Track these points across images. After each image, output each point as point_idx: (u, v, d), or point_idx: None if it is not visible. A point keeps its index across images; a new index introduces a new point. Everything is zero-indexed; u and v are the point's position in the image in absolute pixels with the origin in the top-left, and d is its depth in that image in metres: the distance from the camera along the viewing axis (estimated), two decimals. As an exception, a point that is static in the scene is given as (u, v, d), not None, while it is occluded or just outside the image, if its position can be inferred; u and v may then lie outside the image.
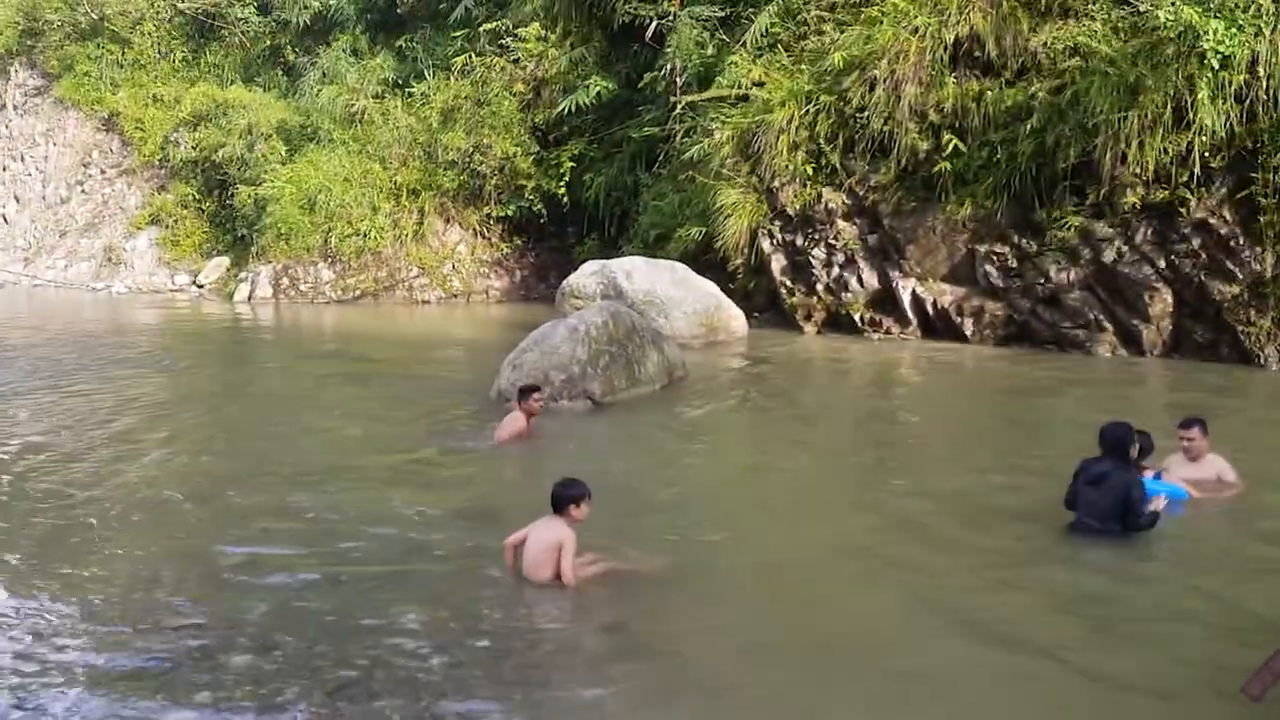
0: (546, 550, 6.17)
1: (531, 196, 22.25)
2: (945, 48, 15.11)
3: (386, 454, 9.38)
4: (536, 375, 11.09)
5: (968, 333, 15.07)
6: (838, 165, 16.22)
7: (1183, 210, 13.54)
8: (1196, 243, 13.51)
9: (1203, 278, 13.42)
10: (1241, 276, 13.16)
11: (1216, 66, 12.49)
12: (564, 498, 6.24)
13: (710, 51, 18.75)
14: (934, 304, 15.45)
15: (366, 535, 7.10)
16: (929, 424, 10.82)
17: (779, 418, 11.26)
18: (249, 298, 23.02)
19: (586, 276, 16.32)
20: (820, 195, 16.42)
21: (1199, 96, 12.83)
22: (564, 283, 16.79)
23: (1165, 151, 13.35)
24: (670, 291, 15.69)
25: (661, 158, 19.89)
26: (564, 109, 21.46)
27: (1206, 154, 13.12)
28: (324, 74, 25.08)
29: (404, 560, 6.66)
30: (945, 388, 13.12)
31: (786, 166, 16.46)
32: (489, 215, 22.91)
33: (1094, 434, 6.90)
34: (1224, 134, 12.94)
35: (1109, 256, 14.03)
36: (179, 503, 7.88)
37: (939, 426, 10.78)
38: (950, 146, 14.99)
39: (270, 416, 11.13)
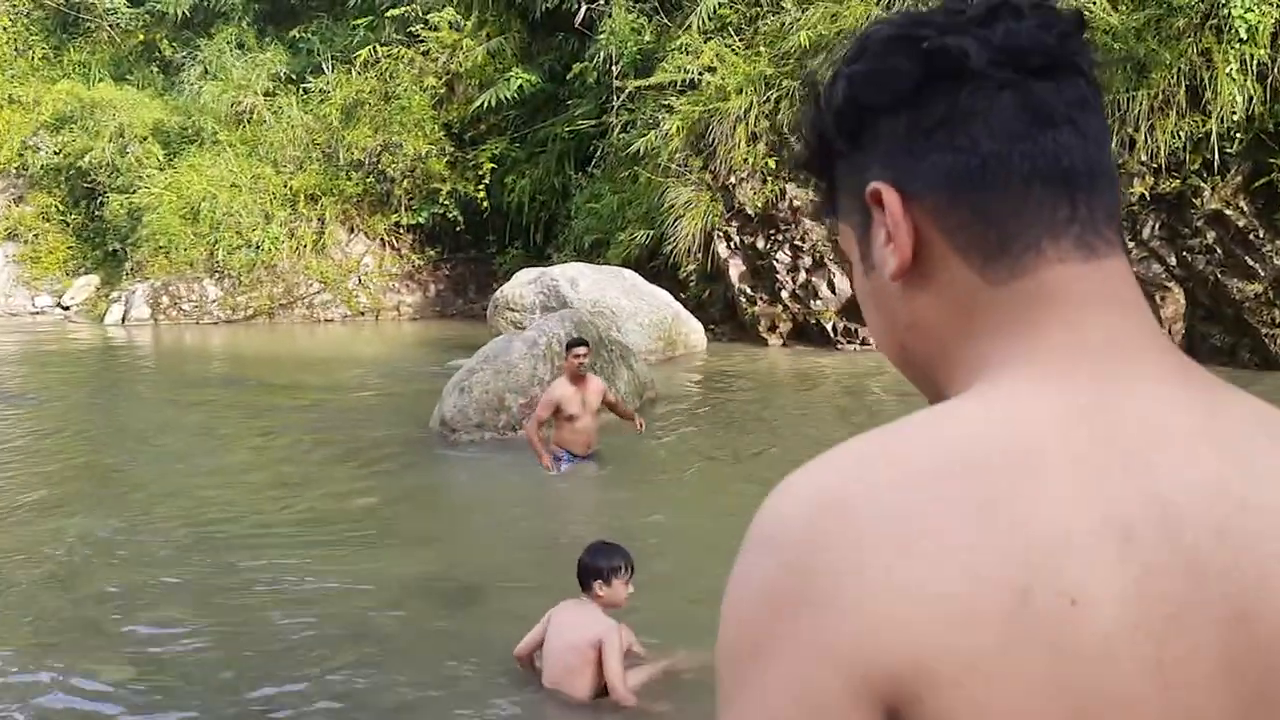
0: (577, 651, 4.21)
1: (446, 202, 20.07)
2: (924, 25, 13.56)
3: (308, 503, 7.25)
4: (490, 400, 9.09)
5: (955, 342, 13.49)
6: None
7: (1195, 201, 12.22)
8: (1211, 237, 12.20)
9: (1219, 275, 12.09)
10: (1262, 273, 11.87)
11: (1244, 37, 11.15)
12: (593, 571, 4.29)
13: (648, 38, 16.94)
14: (915, 311, 13.85)
15: (296, 626, 5.04)
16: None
17: (772, 444, 9.39)
18: (123, 319, 20.28)
19: (523, 286, 14.31)
20: (784, 192, 14.71)
21: (1218, 73, 11.50)
22: (497, 293, 14.74)
23: (1176, 136, 12.01)
24: (621, 301, 13.77)
25: (596, 156, 17.97)
26: (482, 105, 19.38)
27: (1222, 139, 11.82)
28: (206, 69, 22.51)
29: (353, 662, 4.61)
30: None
31: (745, 160, 14.72)
32: (398, 223, 20.65)
33: None
34: (1243, 116, 11.64)
35: (1113, 254, 12.62)
36: (38, 580, 5.66)
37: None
38: (932, 134, 13.43)
39: (157, 460, 8.83)
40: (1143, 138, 12.04)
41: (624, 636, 4.22)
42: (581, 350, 7.68)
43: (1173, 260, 12.39)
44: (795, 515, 0.66)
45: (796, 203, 14.65)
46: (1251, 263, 11.92)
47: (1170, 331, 12.32)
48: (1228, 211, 12.10)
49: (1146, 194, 12.34)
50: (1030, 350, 0.71)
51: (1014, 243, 0.73)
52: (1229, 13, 11.12)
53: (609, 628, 4.20)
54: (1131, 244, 12.54)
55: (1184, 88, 11.80)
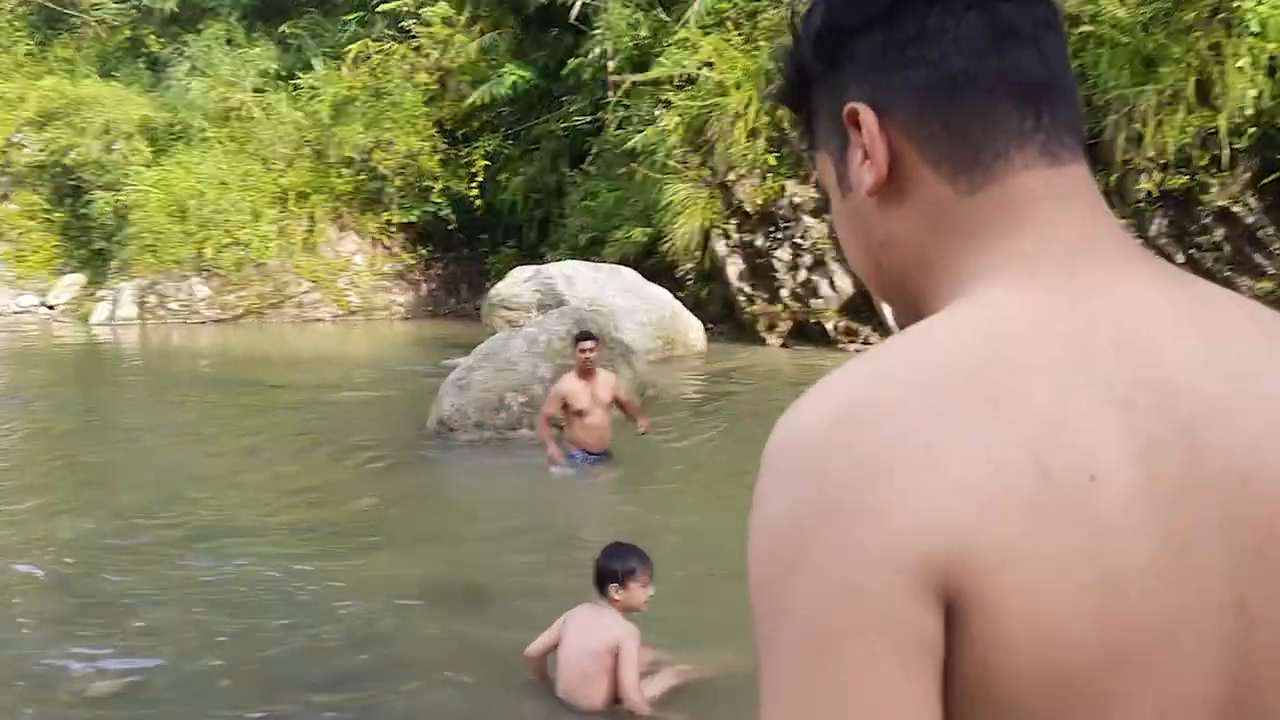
0: (594, 657, 3.98)
1: (439, 200, 19.80)
2: (927, 19, 13.35)
3: (306, 506, 6.99)
4: (489, 398, 8.84)
5: (958, 341, 13.27)
6: (804, 154, 14.31)
7: (1203, 198, 12.04)
8: (1219, 234, 12.02)
9: (1227, 273, 11.89)
10: (1271, 271, 11.70)
11: (1256, 29, 10.97)
12: (608, 573, 4.05)
13: (645, 33, 16.70)
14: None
15: (297, 629, 4.77)
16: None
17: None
18: (109, 319, 19.94)
19: (519, 284, 14.05)
20: (784, 189, 14.50)
21: (1228, 67, 11.32)
22: (492, 292, 14.48)
23: (1184, 131, 11.82)
24: (619, 300, 13.52)
25: (591, 153, 17.72)
26: (475, 101, 19.12)
27: (1231, 134, 11.63)
28: (194, 65, 22.16)
29: (356, 668, 4.36)
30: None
31: (745, 156, 14.50)
32: (390, 222, 20.38)
33: None
34: (1252, 111, 11.46)
35: (1120, 251, 12.43)
36: (25, 587, 5.39)
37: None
38: (935, 130, 13.21)
39: (148, 461, 8.55)
40: (1150, 133, 11.85)
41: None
42: (589, 344, 7.45)
43: (1180, 258, 12.19)
44: (812, 434, 0.67)
45: (797, 200, 14.44)
46: (1260, 260, 11.76)
47: (1177, 330, 12.15)
48: (1236, 208, 11.93)
49: (1154, 190, 12.15)
50: (1005, 255, 0.73)
51: (982, 152, 0.75)
52: (1239, 5, 10.93)
53: (626, 633, 3.96)
54: (1138, 241, 12.35)
55: (1193, 82, 11.61)
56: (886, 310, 13.79)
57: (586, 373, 7.47)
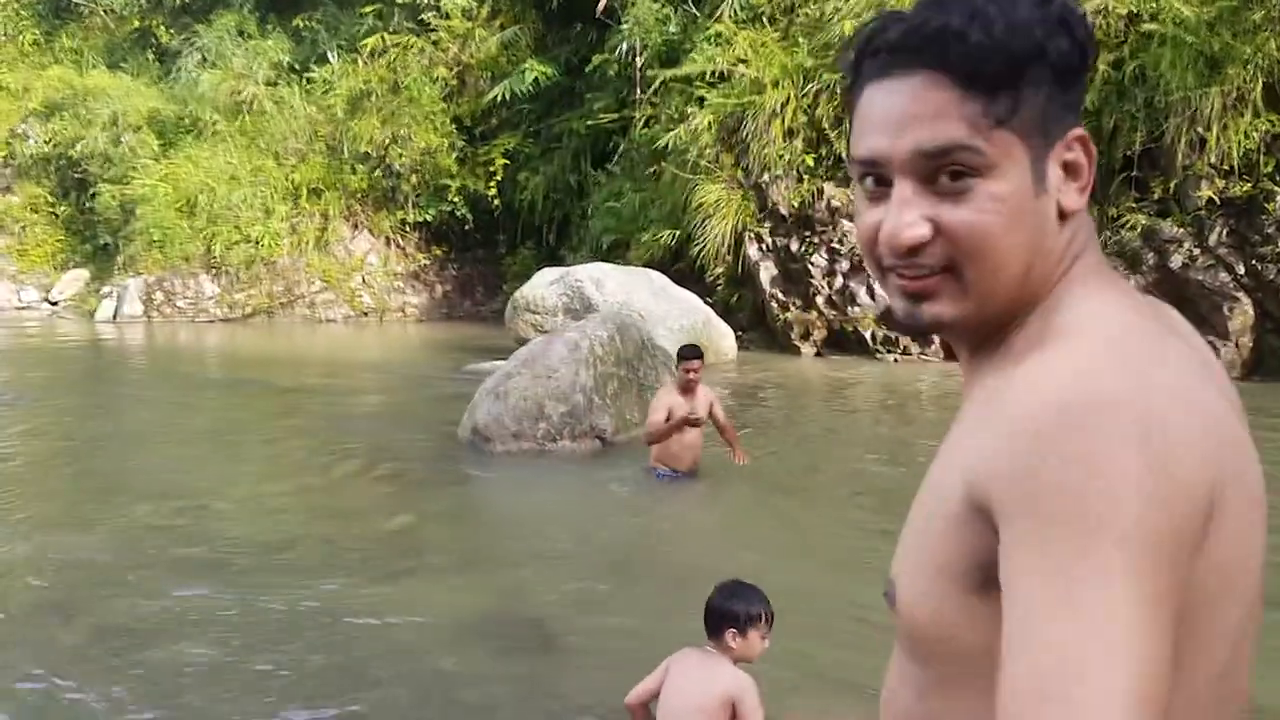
0: (706, 713, 3.39)
1: (455, 199, 19.24)
2: (977, 16, 12.79)
3: (336, 523, 6.39)
4: (528, 407, 8.26)
5: (1004, 352, 12.69)
6: (844, 155, 13.74)
7: (1268, 206, 11.48)
8: (1283, 244, 11.45)
9: (1291, 285, 11.35)
10: (1338, 283, 11.13)
11: (1336, 29, 10.43)
12: (729, 616, 3.46)
13: (674, 28, 16.14)
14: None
15: (333, 668, 4.19)
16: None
17: (825, 463, 8.55)
18: (114, 316, 19.37)
19: (544, 287, 13.47)
20: (821, 191, 13.93)
21: (1300, 68, 10.78)
22: (516, 295, 13.89)
23: (1249, 136, 11.27)
24: (650, 304, 12.97)
25: (616, 152, 17.15)
26: (495, 97, 18.57)
27: (1299, 139, 11.09)
28: (204, 57, 21.66)
29: (402, 715, 3.79)
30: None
31: (780, 157, 13.94)
32: (404, 221, 19.83)
33: None
34: (1325, 115, 10.92)
35: (1178, 261, 11.87)
36: (24, 609, 4.80)
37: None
38: (983, 132, 12.64)
39: (158, 469, 7.95)
40: (1214, 138, 11.30)
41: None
42: (695, 363, 7.06)
43: (1241, 269, 11.64)
44: (1151, 410, 0.80)
45: (835, 203, 13.87)
46: (1326, 272, 11.20)
47: (1237, 345, 11.58)
48: (1302, 217, 11.37)
49: (1215, 197, 11.59)
50: (1090, 265, 0.96)
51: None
52: (1317, 4, 10.39)
53: (744, 686, 3.38)
54: (1197, 251, 11.82)
55: (1260, 85, 11.07)
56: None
57: (688, 389, 7.09)
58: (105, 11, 24.56)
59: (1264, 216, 11.54)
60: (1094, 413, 0.79)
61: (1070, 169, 0.92)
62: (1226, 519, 0.82)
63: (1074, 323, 0.90)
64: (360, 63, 19.76)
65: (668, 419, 7.01)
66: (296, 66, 20.91)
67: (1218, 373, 0.95)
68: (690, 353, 7.16)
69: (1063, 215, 0.92)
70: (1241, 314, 11.57)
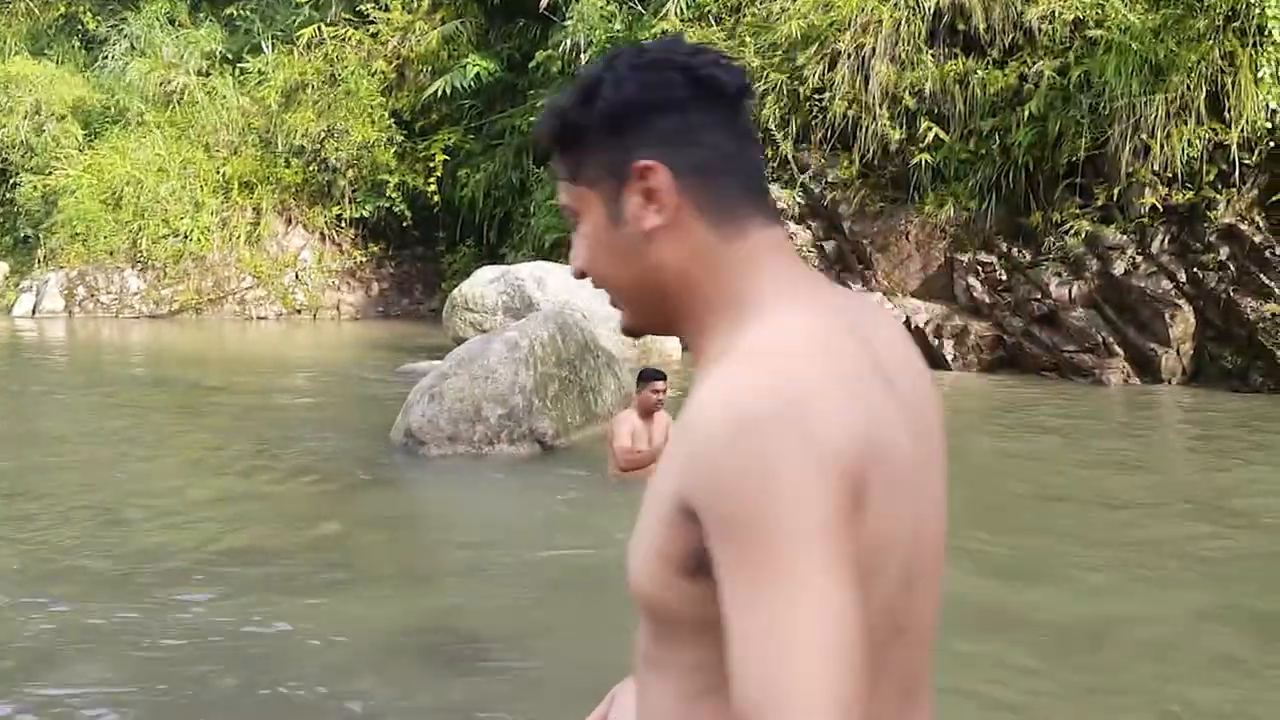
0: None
1: (393, 195, 18.78)
2: (924, 19, 12.73)
3: (261, 531, 6.04)
4: (465, 409, 7.94)
5: (949, 358, 12.65)
6: (789, 157, 13.62)
7: (1209, 214, 11.54)
8: (1224, 252, 11.53)
9: (1231, 293, 11.41)
10: (1278, 292, 11.20)
11: (1279, 38, 10.47)
12: None
13: (619, 26, 15.89)
14: (906, 323, 12.95)
15: (253, 688, 3.87)
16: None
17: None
18: (33, 311, 18.61)
19: (484, 285, 13.13)
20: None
21: (1242, 77, 10.82)
22: (454, 293, 13.53)
23: (1192, 144, 11.31)
24: (593, 304, 12.64)
25: (559, 150, 16.84)
26: (435, 92, 18.18)
27: (1240, 148, 11.14)
28: (133, 45, 20.95)
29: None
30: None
31: (726, 157, 13.73)
32: (340, 216, 19.32)
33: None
34: (1266, 126, 10.98)
35: (1120, 268, 11.90)
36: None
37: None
38: (929, 136, 12.58)
39: (73, 473, 7.49)
40: (1158, 145, 11.32)
41: None
42: (660, 385, 6.77)
43: (1182, 276, 11.69)
44: (797, 405, 0.93)
45: (781, 204, 13.70)
46: (1267, 281, 11.27)
47: (1178, 352, 11.62)
48: (1242, 226, 11.45)
49: (1158, 205, 11.63)
50: (770, 279, 1.07)
51: (737, 213, 1.07)
52: (1262, 11, 10.42)
53: None
54: (1139, 258, 11.84)
55: (1203, 93, 11.11)
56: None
57: (649, 413, 6.78)
58: (29, -4, 23.71)
59: (1205, 225, 11.60)
60: (756, 425, 0.92)
61: (650, 195, 1.06)
62: (872, 503, 0.95)
63: (747, 341, 1.01)
64: (296, 54, 19.22)
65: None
66: (230, 56, 20.29)
67: (895, 364, 1.08)
68: (655, 374, 6.88)
69: (650, 236, 1.07)
70: (1183, 321, 11.62)
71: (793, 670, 0.87)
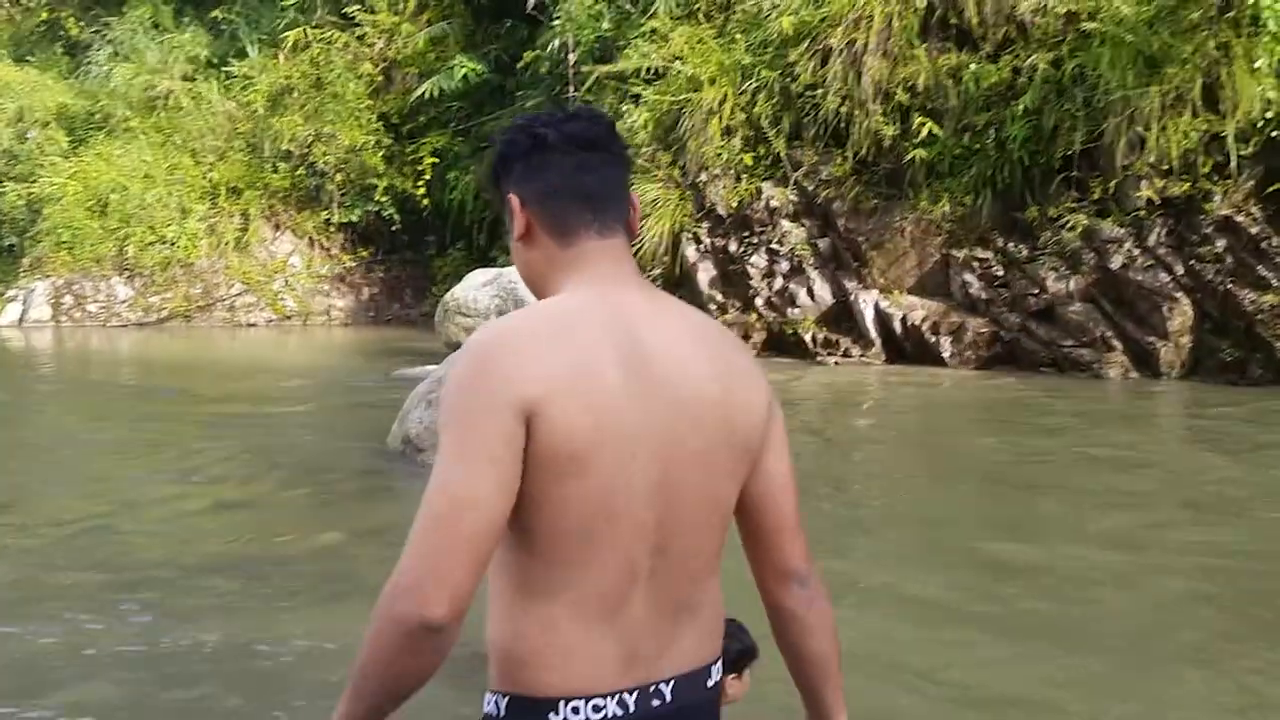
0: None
1: (382, 199, 18.64)
2: (916, 13, 12.65)
3: (258, 542, 5.90)
4: (462, 415, 7.77)
5: (945, 355, 12.57)
6: (782, 154, 13.55)
7: (1205, 206, 11.49)
8: (1221, 244, 11.47)
9: (1229, 285, 11.35)
10: (1275, 284, 11.16)
11: (1275, 29, 10.41)
12: (748, 654, 3.06)
13: (607, 25, 15.78)
14: (902, 321, 12.90)
15: (257, 711, 3.74)
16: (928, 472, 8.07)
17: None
18: (19, 320, 18.44)
19: (476, 289, 12.96)
20: (760, 191, 13.70)
21: (1237, 68, 10.77)
22: (446, 297, 13.36)
23: (1188, 136, 11.25)
24: (586, 306, 12.56)
25: (549, 151, 16.73)
26: (422, 94, 18.05)
27: (1237, 140, 11.09)
28: (116, 51, 20.75)
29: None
30: (922, 421, 10.39)
31: (718, 156, 13.67)
32: (329, 221, 19.18)
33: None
34: (1271, 115, 10.92)
35: (1117, 262, 11.83)
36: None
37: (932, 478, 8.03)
38: (924, 131, 12.51)
39: (63, 484, 7.36)
40: (1153, 137, 11.26)
41: None
42: None
43: (1180, 269, 11.64)
44: (482, 348, 1.39)
45: (774, 203, 13.63)
46: (1264, 272, 11.21)
47: (1176, 345, 11.56)
48: (1239, 218, 11.39)
49: (1155, 197, 11.57)
50: (579, 278, 1.50)
51: (568, 227, 1.52)
52: (1257, 2, 10.37)
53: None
54: (1136, 251, 11.78)
55: (1199, 84, 11.05)
56: (868, 319, 13.06)
57: None
58: (11, 2, 23.47)
59: (1202, 217, 11.54)
60: (460, 354, 1.41)
61: (513, 216, 1.54)
62: (550, 432, 1.35)
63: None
64: (281, 57, 19.06)
65: None
66: (214, 61, 20.13)
67: (665, 360, 1.45)
68: None
69: (519, 243, 1.56)
70: (1180, 314, 11.55)
71: (430, 514, 1.33)
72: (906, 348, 12.95)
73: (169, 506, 6.66)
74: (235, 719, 3.77)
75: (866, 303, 13.09)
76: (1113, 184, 11.76)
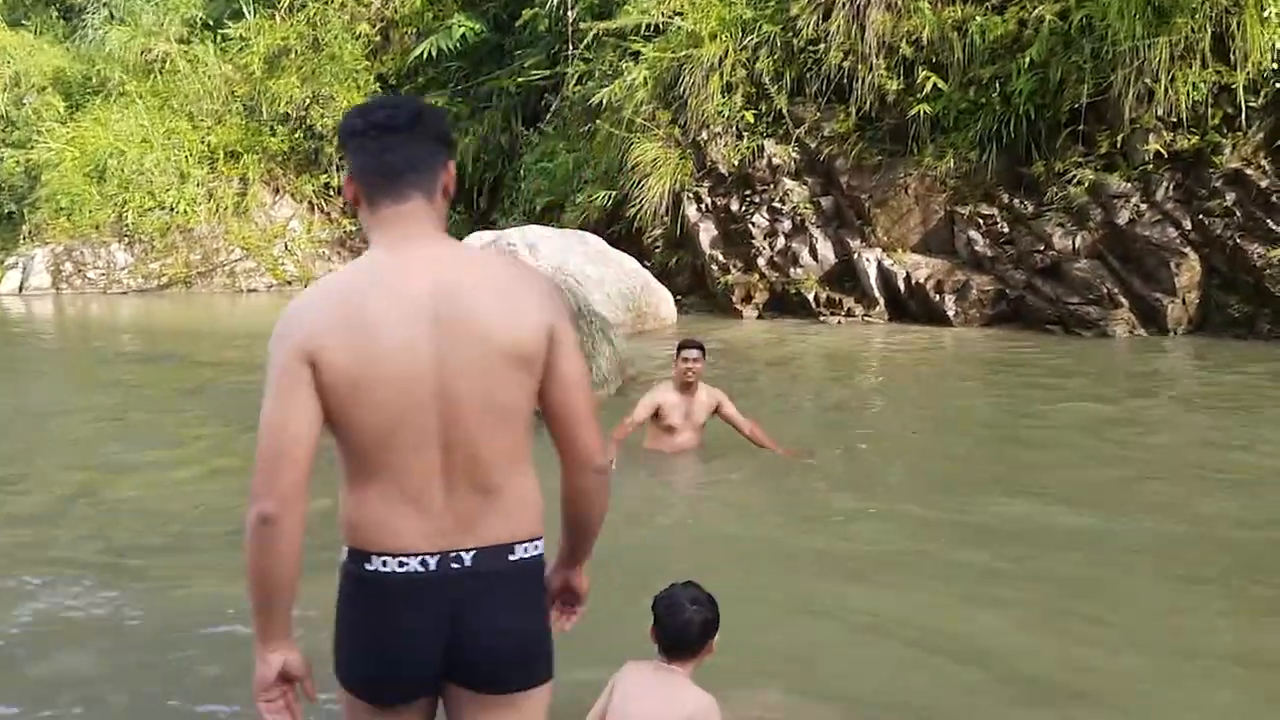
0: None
1: (382, 161, 18.41)
2: (920, -36, 12.40)
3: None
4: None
5: (950, 313, 12.44)
6: (784, 111, 13.35)
7: (1215, 159, 11.28)
8: (1230, 198, 11.27)
9: (1238, 240, 11.17)
10: (1286, 237, 10.96)
11: (1289, -24, 10.17)
12: (707, 627, 3.00)
13: (608, -19, 15.52)
14: (906, 279, 12.76)
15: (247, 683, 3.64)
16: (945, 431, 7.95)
17: (781, 434, 8.09)
18: (20, 288, 18.37)
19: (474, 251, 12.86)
20: (762, 149, 13.52)
21: (1248, 17, 10.53)
22: (445, 259, 13.26)
23: (1197, 88, 11.03)
24: (586, 268, 12.45)
25: (548, 110, 16.54)
26: (420, 54, 17.82)
27: (1246, 91, 10.87)
28: (112, 14, 20.52)
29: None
30: (923, 380, 10.25)
31: (719, 113, 13.47)
32: (328, 184, 19.01)
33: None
34: (1272, 67, 10.70)
35: (1124, 217, 11.66)
36: None
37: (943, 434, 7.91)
38: (928, 85, 12.29)
39: (61, 453, 7.31)
40: (1162, 89, 11.05)
41: None
42: (694, 354, 6.26)
43: (1188, 224, 11.45)
44: (283, 315, 1.90)
45: (776, 161, 13.45)
46: (1273, 226, 11.02)
47: (1184, 301, 11.41)
48: (1249, 171, 11.19)
49: (1163, 151, 11.36)
50: (379, 236, 1.94)
51: (373, 197, 1.94)
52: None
53: (712, 706, 2.93)
54: (1144, 206, 11.60)
55: (1208, 35, 10.82)
56: (871, 278, 12.93)
57: (687, 386, 6.32)
58: (4, -34, 23.20)
59: (1211, 170, 11.34)
60: (279, 322, 1.92)
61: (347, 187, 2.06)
62: (327, 368, 1.84)
63: None
64: (278, 18, 18.83)
65: (656, 416, 6.30)
66: (210, 23, 19.88)
67: (451, 305, 1.89)
68: (688, 344, 6.36)
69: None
70: (1189, 270, 11.40)
71: (259, 438, 1.85)
72: (910, 306, 12.82)
73: (160, 474, 6.59)
74: (217, 685, 3.72)
75: (870, 261, 12.94)
76: (1120, 138, 11.56)
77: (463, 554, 1.97)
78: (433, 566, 1.96)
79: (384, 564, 1.97)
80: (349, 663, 2.07)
